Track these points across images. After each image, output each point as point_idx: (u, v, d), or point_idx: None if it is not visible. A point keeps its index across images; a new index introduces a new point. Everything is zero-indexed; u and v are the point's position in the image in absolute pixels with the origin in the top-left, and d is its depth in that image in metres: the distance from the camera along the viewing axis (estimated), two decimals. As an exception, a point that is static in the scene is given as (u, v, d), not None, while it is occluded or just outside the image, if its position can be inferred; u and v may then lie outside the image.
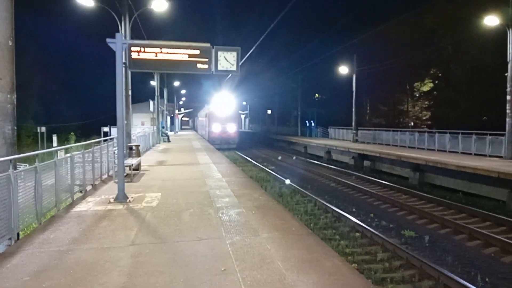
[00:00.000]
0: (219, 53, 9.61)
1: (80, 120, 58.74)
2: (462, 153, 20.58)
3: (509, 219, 11.58)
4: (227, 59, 9.68)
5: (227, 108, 39.70)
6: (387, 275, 8.13)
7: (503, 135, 18.40)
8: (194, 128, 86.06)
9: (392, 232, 11.18)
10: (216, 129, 38.67)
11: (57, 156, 8.79)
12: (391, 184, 17.99)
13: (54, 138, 31.21)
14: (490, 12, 18.44)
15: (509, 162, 16.78)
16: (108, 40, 9.15)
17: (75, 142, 38.56)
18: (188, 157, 20.61)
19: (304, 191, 16.48)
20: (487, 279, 7.98)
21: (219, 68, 9.63)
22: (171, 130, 55.87)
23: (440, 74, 40.39)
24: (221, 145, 36.74)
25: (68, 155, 9.66)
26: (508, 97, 18.16)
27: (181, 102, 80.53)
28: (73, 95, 62.92)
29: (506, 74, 18.27)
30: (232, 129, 39.35)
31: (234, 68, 9.73)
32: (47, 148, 28.03)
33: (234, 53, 9.69)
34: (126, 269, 5.15)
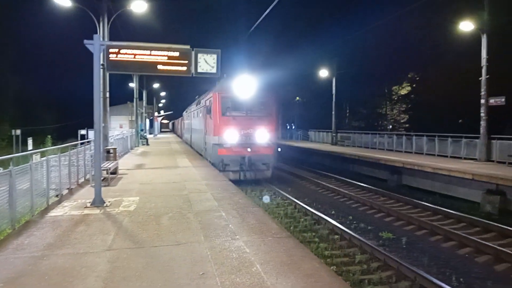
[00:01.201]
0: (199, 55, 9.57)
1: (57, 123, 57.63)
2: (438, 155, 21.00)
3: (483, 220, 11.87)
4: (207, 62, 9.65)
5: (254, 89, 18.60)
6: (365, 276, 8.22)
7: (477, 138, 18.87)
8: (174, 131, 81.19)
9: (370, 234, 11.32)
10: (230, 137, 18.19)
11: (32, 160, 8.61)
12: (370, 186, 18.21)
13: (30, 141, 30.47)
14: (466, 17, 18.91)
15: (483, 164, 17.21)
16: (85, 41, 9.03)
17: (51, 145, 37.80)
18: (167, 160, 20.44)
19: (284, 193, 16.53)
20: (461, 279, 8.15)
21: (199, 70, 9.58)
22: (150, 133, 55.32)
23: (417, 78, 41.22)
24: (241, 171, 18.33)
25: (44, 158, 9.47)
26: (482, 101, 18.65)
27: (160, 105, 79.82)
28: (49, 98, 61.64)
29: (480, 79, 18.77)
30: (263, 136, 18.54)
31: (214, 70, 9.70)
32: (22, 151, 27.39)
33: (214, 56, 9.66)
34: (103, 275, 5.07)
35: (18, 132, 31.70)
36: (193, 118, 30.58)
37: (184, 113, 44.02)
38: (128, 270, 5.23)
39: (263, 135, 18.54)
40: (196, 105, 27.63)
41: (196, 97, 31.68)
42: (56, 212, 8.50)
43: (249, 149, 18.14)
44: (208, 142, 20.38)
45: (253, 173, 18.42)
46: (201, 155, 23.42)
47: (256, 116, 18.62)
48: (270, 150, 18.75)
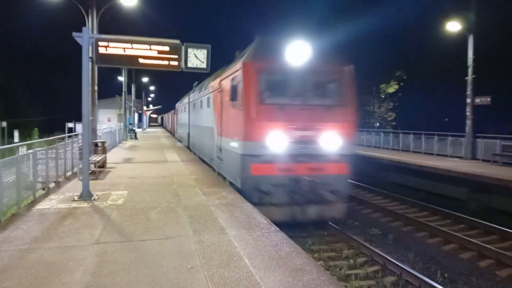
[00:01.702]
0: (189, 50, 9.54)
1: (44, 116, 56.87)
2: (425, 153, 21.24)
3: (468, 217, 12.07)
4: (197, 56, 9.62)
5: (316, 56, 10.55)
6: (352, 271, 8.33)
7: (463, 136, 19.14)
8: (164, 126, 78.26)
9: (357, 230, 11.43)
10: (273, 143, 10.17)
11: (18, 152, 8.52)
12: (357, 183, 18.36)
13: (16, 133, 30.06)
14: (453, 18, 19.11)
15: (468, 162, 17.47)
16: (74, 34, 8.92)
17: (38, 138, 37.29)
18: (156, 155, 20.34)
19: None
20: (446, 275, 8.30)
21: (189, 65, 9.56)
22: (138, 127, 54.94)
23: (405, 77, 41.61)
24: (293, 205, 10.22)
25: (31, 151, 9.37)
26: (468, 100, 18.91)
27: (149, 99, 79.29)
28: (36, 90, 60.87)
29: (466, 78, 19.01)
30: (333, 142, 10.49)
31: (204, 65, 9.68)
32: (8, 143, 27.01)
33: (204, 51, 9.63)
34: (90, 268, 5.06)
35: (4, 124, 31.20)
36: (193, 110, 21.34)
37: (179, 104, 32.84)
38: (116, 264, 5.22)
39: (334, 141, 10.53)
40: (200, 91, 18.60)
41: (195, 84, 23.04)
42: (43, 205, 8.42)
43: (307, 166, 10.40)
44: (226, 149, 12.30)
45: (316, 208, 10.48)
46: (209, 165, 15.69)
47: (321, 105, 10.64)
48: (344, 167, 10.76)
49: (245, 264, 5.26)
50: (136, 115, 53.36)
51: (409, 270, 7.92)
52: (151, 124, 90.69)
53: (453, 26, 18.93)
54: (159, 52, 9.40)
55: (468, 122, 18.80)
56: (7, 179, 7.68)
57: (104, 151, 14.76)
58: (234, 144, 11.21)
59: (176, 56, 9.47)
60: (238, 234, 6.57)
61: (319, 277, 4.94)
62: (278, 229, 7.01)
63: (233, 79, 11.48)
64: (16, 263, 5.20)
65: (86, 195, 9.12)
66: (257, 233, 6.68)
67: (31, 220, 7.24)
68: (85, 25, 16.42)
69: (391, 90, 43.44)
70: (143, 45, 9.31)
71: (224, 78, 12.77)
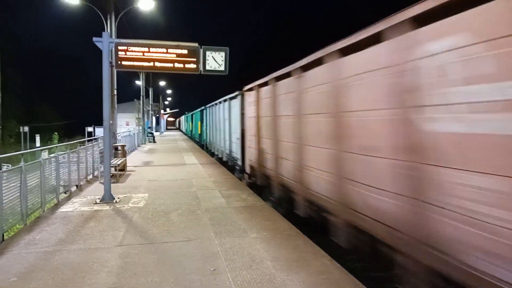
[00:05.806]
0: (207, 53, 9.59)
1: (63, 120, 57.98)
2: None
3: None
4: (216, 59, 9.67)
5: None
6: (377, 274, 8.20)
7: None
8: (181, 129, 76.63)
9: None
10: None
11: (42, 156, 8.69)
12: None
13: (37, 138, 30.70)
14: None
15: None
16: (94, 39, 9.07)
17: (58, 142, 37.97)
18: (175, 158, 20.49)
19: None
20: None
21: (207, 68, 9.61)
22: (156, 131, 55.46)
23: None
24: None
25: (53, 155, 9.54)
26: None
27: (166, 102, 80.00)
28: (56, 94, 62.14)
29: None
30: None
31: (222, 68, 9.73)
32: (30, 148, 27.60)
33: (223, 53, 9.68)
34: (114, 270, 5.10)
35: (26, 129, 31.89)
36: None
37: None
38: (140, 266, 5.26)
39: None
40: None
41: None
42: (66, 208, 8.56)
43: None
44: None
45: None
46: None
47: None
48: None
49: (267, 266, 5.24)
50: (154, 118, 53.88)
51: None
52: (168, 127, 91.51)
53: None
54: (178, 55, 9.47)
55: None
56: (31, 182, 7.83)
57: (124, 154, 14.94)
58: None
59: (194, 59, 9.53)
60: (260, 237, 6.55)
61: (342, 279, 4.89)
62: (299, 231, 6.97)
63: None
64: (42, 264, 5.28)
65: (108, 198, 9.24)
66: (278, 235, 6.65)
67: (55, 223, 7.36)
68: (103, 30, 16.67)
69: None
70: (161, 48, 9.40)
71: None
